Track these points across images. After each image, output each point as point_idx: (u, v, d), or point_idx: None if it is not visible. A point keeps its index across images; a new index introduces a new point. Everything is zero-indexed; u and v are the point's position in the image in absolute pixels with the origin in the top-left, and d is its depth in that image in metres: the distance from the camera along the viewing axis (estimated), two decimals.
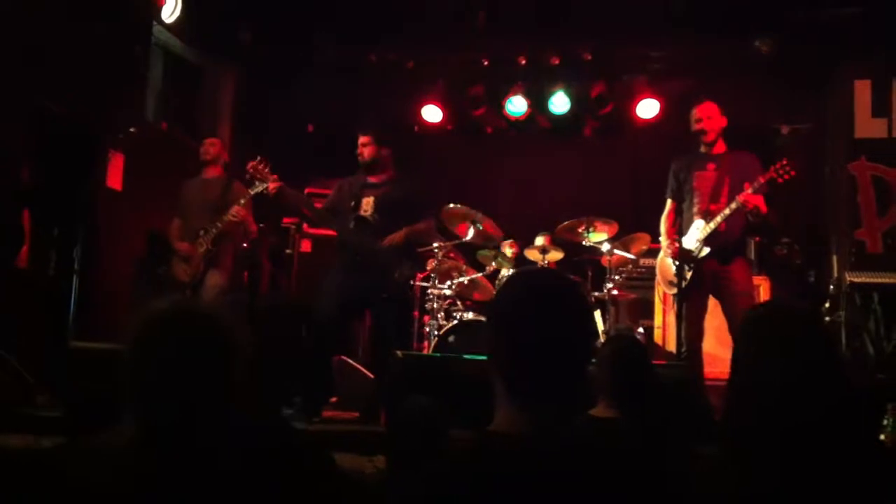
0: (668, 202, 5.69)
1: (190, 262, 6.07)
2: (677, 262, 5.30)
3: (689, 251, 5.32)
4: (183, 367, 1.74)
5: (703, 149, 5.53)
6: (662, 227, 5.69)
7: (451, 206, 7.02)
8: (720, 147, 5.51)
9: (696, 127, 5.51)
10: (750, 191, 5.15)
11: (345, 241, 5.63)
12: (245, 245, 7.32)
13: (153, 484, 1.70)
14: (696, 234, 5.35)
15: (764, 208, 5.22)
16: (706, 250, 5.29)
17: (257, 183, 5.66)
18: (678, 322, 5.42)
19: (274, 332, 2.08)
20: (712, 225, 5.27)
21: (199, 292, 5.97)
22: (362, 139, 5.59)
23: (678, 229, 5.46)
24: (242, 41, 8.15)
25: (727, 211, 5.22)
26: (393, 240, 5.40)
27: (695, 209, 5.44)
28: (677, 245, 5.34)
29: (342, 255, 5.64)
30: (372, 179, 5.63)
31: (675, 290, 5.40)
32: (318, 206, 5.79)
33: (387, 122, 5.91)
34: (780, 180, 5.17)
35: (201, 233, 6.04)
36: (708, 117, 5.46)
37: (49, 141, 6.33)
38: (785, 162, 5.19)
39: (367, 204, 5.54)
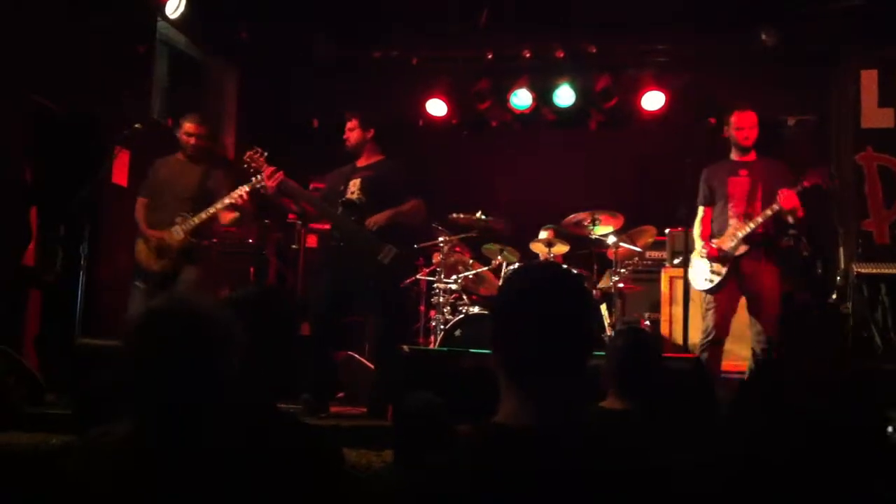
0: (702, 209, 5.77)
1: (163, 252, 5.75)
2: (713, 259, 5.43)
3: (726, 252, 5.40)
4: (177, 364, 1.75)
5: (735, 155, 5.63)
6: (697, 232, 5.73)
7: (455, 215, 7.00)
8: (752, 154, 5.59)
9: (735, 135, 5.57)
10: (794, 192, 5.27)
11: (334, 227, 5.60)
12: (251, 240, 7.33)
13: (151, 478, 1.71)
14: (733, 234, 5.43)
15: (801, 212, 5.37)
16: (744, 248, 5.37)
17: (254, 174, 5.58)
18: (685, 314, 5.46)
19: (264, 323, 2.07)
20: (752, 224, 5.38)
21: (170, 283, 5.65)
22: (349, 123, 5.58)
23: (713, 233, 5.57)
24: (246, 36, 8.14)
25: (769, 212, 5.35)
26: (376, 221, 5.34)
27: (730, 212, 5.53)
28: (714, 247, 5.44)
29: (332, 244, 5.60)
30: (360, 164, 5.61)
31: (708, 286, 5.49)
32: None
33: (373, 111, 5.84)
34: (824, 186, 5.35)
35: (178, 220, 5.76)
36: (750, 127, 5.54)
37: (54, 138, 6.34)
38: (829, 169, 5.34)
39: (354, 186, 5.50)
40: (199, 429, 1.76)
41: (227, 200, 5.73)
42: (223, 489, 1.74)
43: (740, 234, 5.40)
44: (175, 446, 1.74)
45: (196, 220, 5.76)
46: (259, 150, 5.62)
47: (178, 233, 5.75)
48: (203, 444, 1.76)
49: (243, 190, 5.73)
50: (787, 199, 5.27)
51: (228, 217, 5.91)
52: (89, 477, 1.72)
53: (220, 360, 1.78)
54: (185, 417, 1.75)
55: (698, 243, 5.67)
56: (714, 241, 5.50)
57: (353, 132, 5.57)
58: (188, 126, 5.97)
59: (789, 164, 5.68)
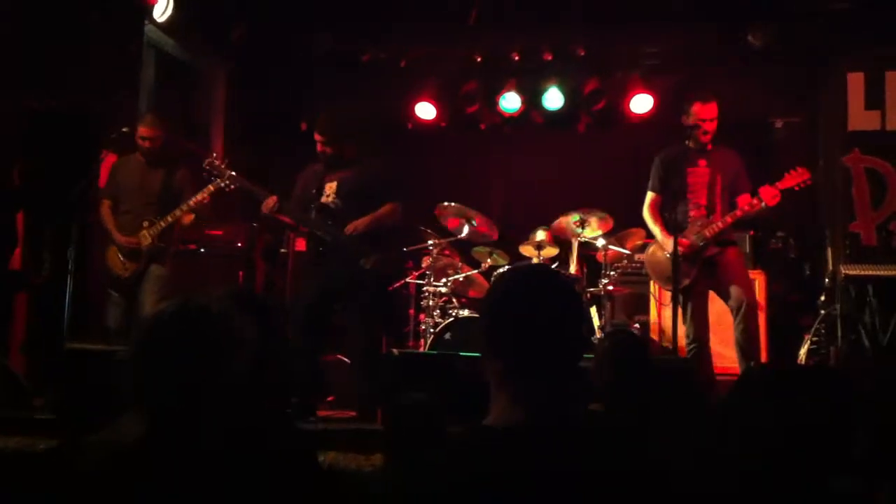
0: (652, 195, 5.72)
1: (132, 257, 5.73)
2: (680, 258, 5.33)
3: (697, 250, 5.36)
4: (191, 367, 1.73)
5: (692, 144, 5.56)
6: (654, 223, 5.67)
7: (445, 204, 7.03)
8: (709, 144, 5.56)
9: (698, 126, 5.49)
10: (772, 198, 5.30)
11: (309, 231, 5.54)
12: (239, 244, 7.30)
13: (154, 482, 1.70)
14: (699, 232, 5.38)
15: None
16: (714, 249, 5.37)
17: (215, 178, 5.58)
18: (674, 317, 5.46)
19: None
20: (720, 224, 5.37)
21: (140, 285, 5.70)
22: (317, 136, 5.44)
23: (672, 224, 5.47)
24: (234, 39, 8.12)
25: (739, 213, 5.36)
26: (356, 227, 5.28)
27: (691, 205, 5.48)
28: (687, 241, 5.37)
29: (309, 248, 5.58)
30: (332, 167, 5.49)
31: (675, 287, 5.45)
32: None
33: (343, 118, 5.70)
34: (796, 188, 5.33)
35: (145, 224, 5.73)
36: (711, 119, 5.48)
37: (41, 141, 6.32)
38: (801, 170, 5.34)
39: (330, 189, 5.42)
40: (205, 433, 1.75)
41: (191, 202, 5.71)
42: (222, 493, 1.73)
43: (708, 234, 5.38)
44: (181, 450, 1.73)
45: (162, 223, 5.74)
46: (216, 155, 5.67)
47: (145, 237, 5.73)
48: (206, 448, 1.75)
49: (205, 192, 5.69)
50: (771, 196, 5.28)
51: (187, 219, 5.91)
52: (90, 479, 1.71)
53: (231, 364, 1.77)
54: (193, 421, 1.74)
55: (661, 237, 5.60)
56: (679, 234, 5.41)
57: (326, 147, 5.42)
58: (141, 130, 5.87)
59: (777, 165, 5.70)
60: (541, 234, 7.23)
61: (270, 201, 5.40)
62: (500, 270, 6.78)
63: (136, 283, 5.73)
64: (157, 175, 5.87)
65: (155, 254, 5.77)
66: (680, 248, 5.34)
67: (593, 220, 6.88)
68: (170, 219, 5.73)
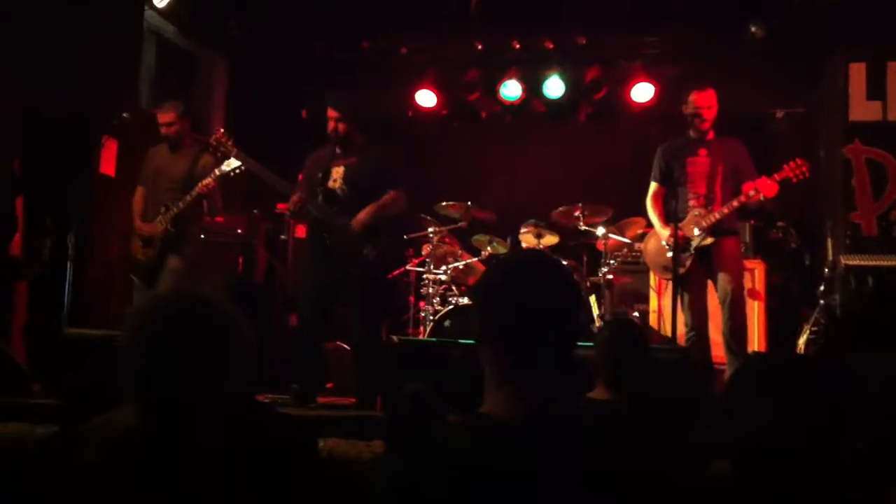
0: (654, 185, 5.76)
1: (148, 242, 5.72)
2: (675, 249, 5.34)
3: (690, 239, 5.37)
4: (187, 356, 1.73)
5: (693, 134, 5.58)
6: (653, 212, 5.71)
7: (444, 203, 7.05)
8: (710, 133, 5.55)
9: (694, 115, 5.51)
10: (770, 189, 5.30)
11: (314, 216, 5.49)
12: (239, 231, 7.31)
13: (149, 469, 1.70)
14: (696, 222, 5.39)
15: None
16: (710, 239, 5.37)
17: (224, 160, 5.53)
18: (673, 306, 5.47)
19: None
20: (717, 215, 5.37)
21: (157, 275, 5.66)
22: (332, 113, 5.39)
23: (671, 214, 5.49)
24: (235, 26, 8.09)
25: (736, 203, 5.36)
26: (361, 221, 5.24)
27: (690, 194, 5.49)
28: (682, 233, 5.38)
29: (314, 234, 5.54)
30: (342, 149, 5.45)
31: (670, 276, 5.47)
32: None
33: (358, 99, 5.68)
34: (794, 180, 5.34)
35: (162, 210, 5.70)
36: (708, 107, 5.49)
37: (42, 128, 6.30)
38: (800, 161, 5.34)
39: (337, 174, 5.37)
40: (201, 424, 1.75)
41: (198, 187, 5.64)
42: (215, 483, 1.73)
43: (705, 224, 5.39)
44: (177, 440, 1.72)
45: (175, 209, 5.69)
46: (226, 133, 5.57)
47: (160, 223, 5.70)
48: (201, 439, 1.75)
49: (211, 178, 5.63)
50: (769, 187, 5.29)
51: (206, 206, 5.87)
52: (87, 464, 1.71)
53: (227, 353, 1.77)
54: (189, 409, 1.73)
55: (659, 227, 5.64)
56: (676, 226, 5.42)
57: (339, 123, 5.38)
58: (160, 117, 5.87)
59: (778, 156, 5.70)
60: (524, 230, 7.22)
61: (297, 199, 5.35)
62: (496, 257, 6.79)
63: (153, 270, 5.68)
64: (180, 161, 5.83)
65: (170, 241, 5.71)
66: (674, 241, 5.37)
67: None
68: (181, 204, 5.66)
